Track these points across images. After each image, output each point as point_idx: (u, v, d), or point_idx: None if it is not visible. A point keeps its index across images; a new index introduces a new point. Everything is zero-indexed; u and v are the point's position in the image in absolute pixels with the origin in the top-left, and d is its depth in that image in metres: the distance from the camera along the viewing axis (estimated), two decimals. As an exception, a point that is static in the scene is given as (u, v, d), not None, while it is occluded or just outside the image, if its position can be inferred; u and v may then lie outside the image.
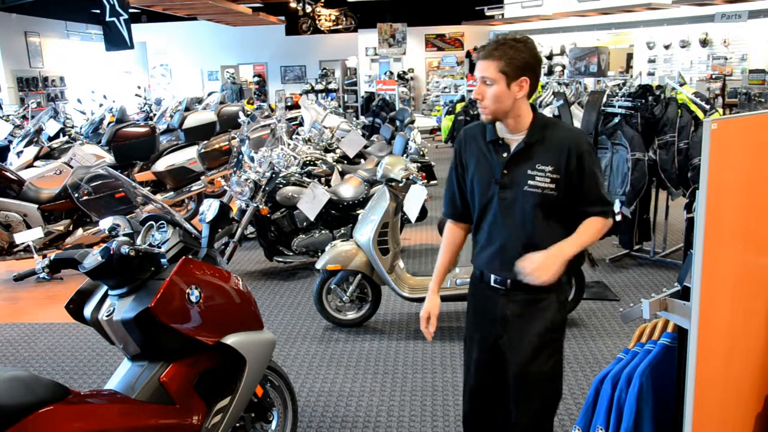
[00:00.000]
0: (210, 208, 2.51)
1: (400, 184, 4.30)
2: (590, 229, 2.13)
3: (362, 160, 7.34)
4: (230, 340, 2.34)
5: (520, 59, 2.02)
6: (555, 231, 2.14)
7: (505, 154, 2.13)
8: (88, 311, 2.32)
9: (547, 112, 6.54)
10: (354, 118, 11.93)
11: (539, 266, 2.00)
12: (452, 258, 2.46)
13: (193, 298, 2.20)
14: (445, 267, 2.45)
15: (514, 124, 2.12)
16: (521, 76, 2.04)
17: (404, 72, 17.81)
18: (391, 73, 17.60)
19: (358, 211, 5.54)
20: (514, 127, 2.13)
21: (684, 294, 1.82)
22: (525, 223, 2.14)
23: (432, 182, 7.50)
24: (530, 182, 2.10)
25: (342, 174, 6.39)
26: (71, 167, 6.15)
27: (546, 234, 2.13)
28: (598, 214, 2.14)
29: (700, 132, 1.73)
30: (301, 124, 8.57)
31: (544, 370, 2.19)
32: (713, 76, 11.80)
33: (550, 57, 14.68)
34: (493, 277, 2.23)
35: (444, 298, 4.21)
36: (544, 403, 2.24)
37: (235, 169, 6.19)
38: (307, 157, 6.21)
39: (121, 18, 8.98)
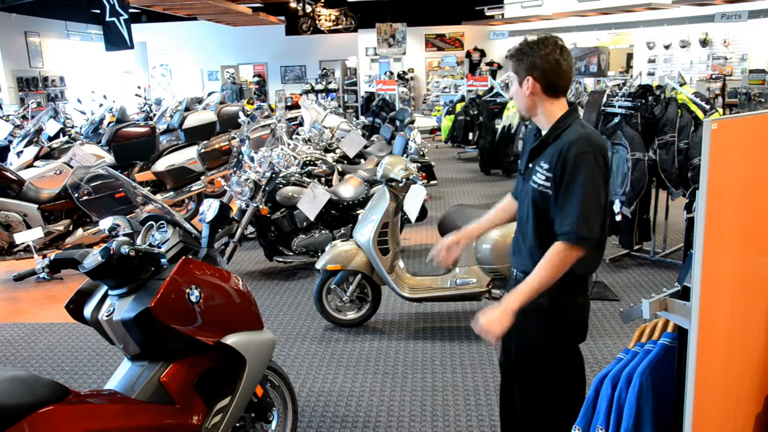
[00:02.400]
0: (210, 208, 2.51)
1: (400, 184, 4.30)
2: (546, 265, 2.05)
3: (362, 160, 7.34)
4: (230, 340, 2.34)
5: (526, 61, 2.12)
6: (547, 240, 2.12)
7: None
8: (88, 311, 2.32)
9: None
10: (354, 118, 11.92)
11: (488, 322, 2.03)
12: (498, 220, 2.54)
13: (193, 298, 2.20)
14: (491, 222, 2.54)
15: (543, 121, 2.20)
16: (527, 76, 2.12)
17: (404, 72, 17.81)
18: (391, 73, 17.60)
19: (358, 211, 5.54)
20: (543, 124, 2.21)
21: (684, 294, 1.82)
22: (527, 218, 2.22)
23: (432, 182, 7.50)
24: (533, 177, 2.16)
25: (342, 174, 6.39)
26: (71, 167, 6.16)
27: (540, 235, 2.17)
28: (561, 236, 2.04)
29: (700, 132, 1.73)
30: (301, 124, 8.57)
31: (530, 371, 2.27)
32: (713, 76, 11.81)
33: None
34: (512, 267, 2.37)
35: (444, 298, 4.26)
36: (536, 404, 2.29)
37: (235, 169, 6.19)
38: (307, 157, 6.21)
39: (121, 18, 8.98)
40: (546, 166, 2.12)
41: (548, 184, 2.11)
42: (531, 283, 2.05)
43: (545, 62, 2.09)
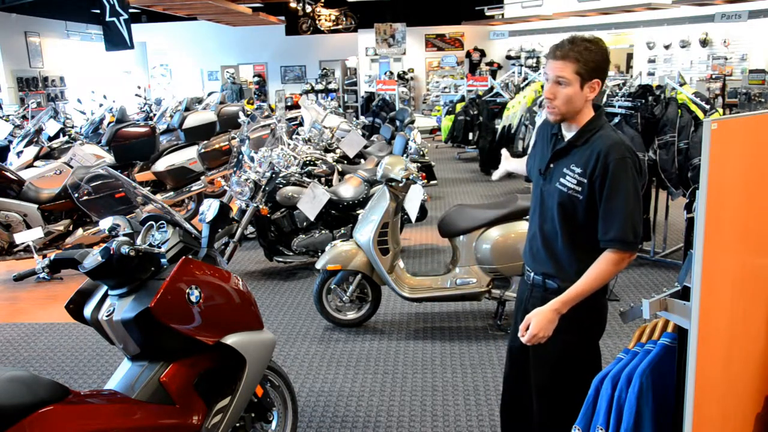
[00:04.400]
0: (210, 208, 2.51)
1: (400, 184, 4.30)
2: (597, 272, 2.06)
3: (362, 160, 7.33)
4: (230, 340, 2.34)
5: (594, 61, 2.04)
6: (575, 244, 2.14)
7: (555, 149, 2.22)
8: (88, 311, 2.32)
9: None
10: (354, 118, 11.92)
11: (541, 328, 2.06)
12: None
13: (193, 298, 2.20)
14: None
15: (573, 122, 2.15)
16: (594, 78, 2.06)
17: (404, 72, 17.81)
18: (391, 73, 17.60)
19: (358, 211, 5.54)
20: (571, 126, 2.16)
21: (684, 294, 1.82)
22: (550, 221, 2.20)
23: (432, 182, 7.50)
24: (561, 180, 2.14)
25: (342, 174, 6.39)
26: (71, 167, 6.15)
27: (568, 237, 2.15)
28: (611, 243, 2.05)
29: (700, 132, 1.73)
30: (301, 124, 8.56)
31: (549, 368, 2.25)
32: (713, 76, 11.81)
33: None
34: (526, 268, 2.36)
35: (444, 298, 4.26)
36: (555, 401, 2.28)
37: (235, 169, 6.19)
38: (307, 157, 6.21)
39: (121, 18, 8.97)
40: (578, 170, 2.09)
41: (579, 189, 2.09)
42: (581, 289, 2.07)
43: (607, 63, 2.08)
